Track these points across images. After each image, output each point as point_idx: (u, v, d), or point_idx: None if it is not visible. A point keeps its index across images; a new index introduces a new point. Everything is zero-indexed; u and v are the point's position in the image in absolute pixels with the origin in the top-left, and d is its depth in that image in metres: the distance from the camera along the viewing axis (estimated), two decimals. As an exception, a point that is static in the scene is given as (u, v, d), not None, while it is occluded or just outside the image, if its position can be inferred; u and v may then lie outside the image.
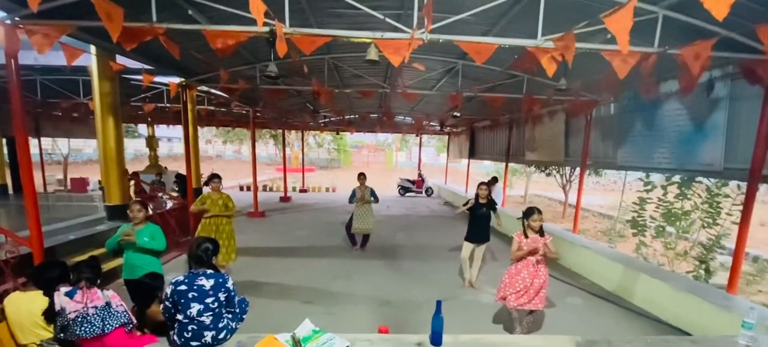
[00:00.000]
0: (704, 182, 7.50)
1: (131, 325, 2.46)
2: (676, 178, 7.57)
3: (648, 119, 5.89)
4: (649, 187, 8.22)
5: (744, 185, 4.84)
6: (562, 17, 4.02)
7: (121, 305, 2.49)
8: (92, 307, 2.38)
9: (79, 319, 2.36)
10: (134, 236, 3.47)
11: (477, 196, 5.43)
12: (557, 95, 6.79)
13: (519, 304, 3.81)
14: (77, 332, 2.35)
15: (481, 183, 5.58)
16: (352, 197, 7.02)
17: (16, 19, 3.69)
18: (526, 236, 3.79)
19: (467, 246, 5.49)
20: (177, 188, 10.88)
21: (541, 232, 3.80)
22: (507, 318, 4.50)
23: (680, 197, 7.79)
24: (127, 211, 3.67)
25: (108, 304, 2.43)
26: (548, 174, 17.04)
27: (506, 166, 12.09)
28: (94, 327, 2.34)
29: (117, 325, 2.39)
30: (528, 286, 3.76)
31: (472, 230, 5.43)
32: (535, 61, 3.98)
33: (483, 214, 5.39)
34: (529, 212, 3.79)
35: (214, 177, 5.38)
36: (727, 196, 7.20)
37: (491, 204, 5.48)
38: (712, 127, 4.86)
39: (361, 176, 7.13)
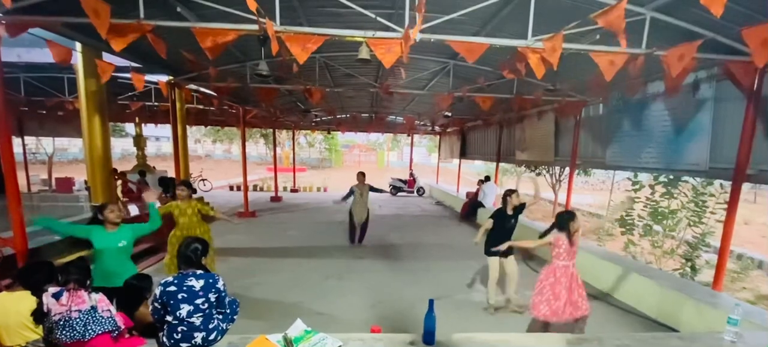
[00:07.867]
0: (690, 182, 7.65)
1: (117, 331, 2.39)
2: (663, 177, 7.70)
3: (636, 119, 5.97)
4: (637, 186, 8.36)
5: (728, 184, 4.94)
6: (552, 19, 4.06)
7: (108, 310, 2.41)
8: (76, 311, 2.32)
9: (61, 322, 2.30)
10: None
11: (505, 205, 4.50)
12: (547, 96, 6.86)
13: (565, 315, 3.53)
14: (58, 335, 2.29)
15: (510, 190, 4.57)
16: (349, 195, 7.31)
17: (-1, 14, 3.59)
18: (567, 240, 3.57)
19: (494, 263, 4.54)
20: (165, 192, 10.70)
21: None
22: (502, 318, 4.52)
23: (667, 196, 7.93)
24: (105, 214, 3.35)
25: (93, 309, 2.36)
26: (538, 174, 17.20)
27: (497, 166, 12.17)
28: (74, 333, 2.27)
29: (100, 332, 2.31)
30: (568, 298, 3.55)
31: (498, 243, 4.29)
32: (524, 62, 4.01)
33: (512, 226, 4.51)
34: (571, 215, 3.60)
35: (180, 185, 4.78)
36: (712, 195, 7.35)
37: (520, 210, 4.60)
38: (698, 127, 4.94)
39: (361, 175, 7.42)
